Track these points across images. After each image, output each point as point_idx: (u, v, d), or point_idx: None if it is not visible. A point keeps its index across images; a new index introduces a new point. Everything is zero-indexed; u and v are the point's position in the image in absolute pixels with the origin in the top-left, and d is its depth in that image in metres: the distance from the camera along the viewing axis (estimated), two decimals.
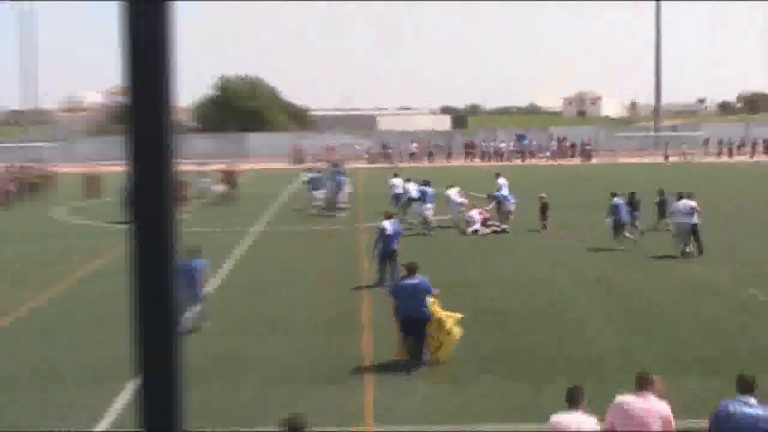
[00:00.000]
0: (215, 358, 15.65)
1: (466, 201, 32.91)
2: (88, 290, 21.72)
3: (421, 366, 14.91)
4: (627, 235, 26.99)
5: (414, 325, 15.13)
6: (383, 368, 14.89)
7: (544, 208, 30.88)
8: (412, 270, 15.62)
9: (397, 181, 38.25)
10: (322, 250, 27.72)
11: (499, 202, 32.43)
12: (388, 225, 22.35)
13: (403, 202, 34.89)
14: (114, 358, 14.81)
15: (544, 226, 30.58)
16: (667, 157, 68.79)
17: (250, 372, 14.93)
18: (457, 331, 15.10)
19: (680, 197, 25.91)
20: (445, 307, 15.59)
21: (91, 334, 17.45)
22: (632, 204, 28.85)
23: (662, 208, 29.85)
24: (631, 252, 25.94)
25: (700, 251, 25.12)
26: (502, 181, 34.12)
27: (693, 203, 25.39)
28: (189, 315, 17.18)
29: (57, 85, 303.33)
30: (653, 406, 8.60)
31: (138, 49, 2.22)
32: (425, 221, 31.29)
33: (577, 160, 71.28)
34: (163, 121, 2.23)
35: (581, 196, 40.75)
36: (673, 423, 8.64)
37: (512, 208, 32.10)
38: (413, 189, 34.22)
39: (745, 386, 8.45)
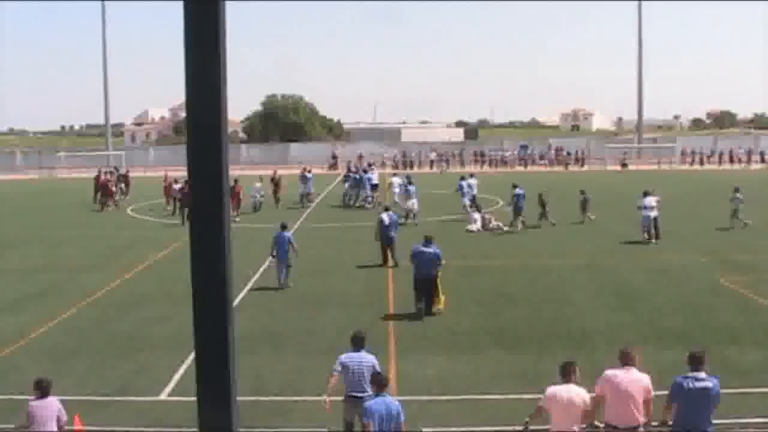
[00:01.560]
0: (261, 330, 15.91)
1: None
2: (159, 273, 22.06)
3: (438, 337, 15.15)
4: (522, 220, 28.98)
5: (424, 283, 16.69)
6: (406, 340, 15.08)
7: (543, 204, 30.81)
8: (429, 240, 17.17)
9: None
10: (354, 238, 27.83)
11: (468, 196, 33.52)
12: (385, 217, 22.76)
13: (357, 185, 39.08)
14: (185, 327, 15.09)
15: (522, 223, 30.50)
16: (624, 165, 68.50)
17: (289, 343, 15.19)
18: (442, 299, 16.77)
19: (645, 194, 26.78)
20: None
21: (160, 310, 17.74)
22: (542, 200, 30.12)
23: (584, 204, 30.95)
24: (609, 241, 26.53)
25: (657, 238, 25.95)
26: (473, 181, 34.71)
27: (656, 198, 26.49)
28: (283, 275, 19.71)
29: (129, 101, 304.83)
30: (637, 378, 8.70)
31: (196, 62, 2.17)
32: (408, 213, 31.57)
33: (571, 167, 70.91)
34: (218, 132, 2.18)
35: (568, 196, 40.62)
36: (652, 392, 8.71)
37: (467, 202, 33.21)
38: (374, 178, 38.73)
39: (696, 362, 8.60)
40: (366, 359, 9.92)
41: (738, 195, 28.92)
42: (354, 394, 9.76)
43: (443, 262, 17.36)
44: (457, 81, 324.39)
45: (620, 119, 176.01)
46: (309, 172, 40.94)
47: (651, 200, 26.35)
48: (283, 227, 20.44)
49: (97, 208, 39.96)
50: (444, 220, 32.77)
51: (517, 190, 29.47)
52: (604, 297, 18.49)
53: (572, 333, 15.37)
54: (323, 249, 25.87)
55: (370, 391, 9.48)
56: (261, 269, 21.90)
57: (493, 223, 29.90)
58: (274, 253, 19.89)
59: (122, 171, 49.16)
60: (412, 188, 32.79)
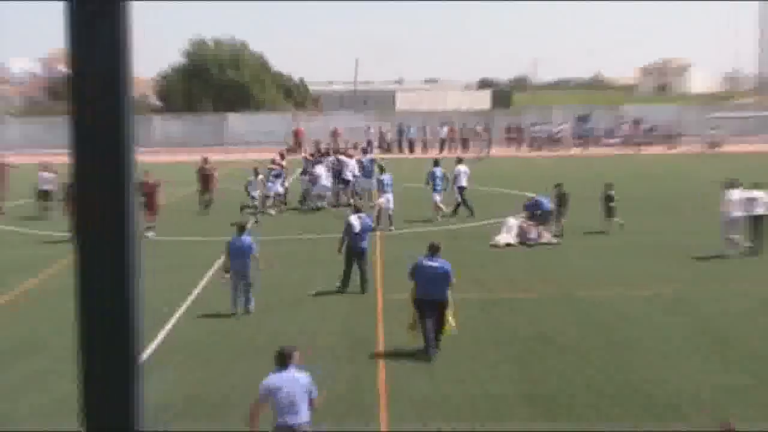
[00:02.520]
0: (184, 397, 16.17)
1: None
2: (31, 311, 22.29)
3: (448, 402, 15.41)
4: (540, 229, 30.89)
5: (430, 306, 17.59)
6: (402, 406, 15.37)
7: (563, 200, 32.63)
8: (434, 250, 18.09)
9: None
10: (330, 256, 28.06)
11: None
12: (355, 221, 23.02)
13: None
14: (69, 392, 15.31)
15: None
16: (715, 145, 68.80)
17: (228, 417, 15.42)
18: (452, 321, 17.77)
19: (731, 185, 28.05)
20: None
21: (33, 366, 17.98)
22: (559, 198, 32.53)
23: (608, 202, 32.72)
24: (695, 258, 26.99)
25: (757, 249, 27.11)
26: (462, 168, 36.58)
27: (759, 194, 27.60)
28: (241, 298, 20.98)
29: None
30: None
31: None
32: (379, 213, 32.74)
33: (657, 148, 70.78)
34: (117, 97, 2.16)
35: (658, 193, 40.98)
36: None
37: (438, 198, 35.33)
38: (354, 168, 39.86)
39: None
40: (301, 378, 11.54)
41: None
42: (288, 421, 11.22)
43: (454, 281, 18.09)
44: (481, 22, 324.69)
45: (732, 74, 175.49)
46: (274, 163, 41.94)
47: (735, 194, 27.36)
48: (241, 229, 21.44)
49: None
50: (459, 228, 33.22)
51: (539, 198, 32.18)
52: (697, 345, 18.69)
53: (650, 399, 15.53)
54: (285, 271, 26.15)
55: (307, 417, 11.12)
56: (188, 300, 22.30)
57: (533, 234, 30.39)
58: (227, 268, 21.14)
59: None
60: (386, 177, 34.25)
